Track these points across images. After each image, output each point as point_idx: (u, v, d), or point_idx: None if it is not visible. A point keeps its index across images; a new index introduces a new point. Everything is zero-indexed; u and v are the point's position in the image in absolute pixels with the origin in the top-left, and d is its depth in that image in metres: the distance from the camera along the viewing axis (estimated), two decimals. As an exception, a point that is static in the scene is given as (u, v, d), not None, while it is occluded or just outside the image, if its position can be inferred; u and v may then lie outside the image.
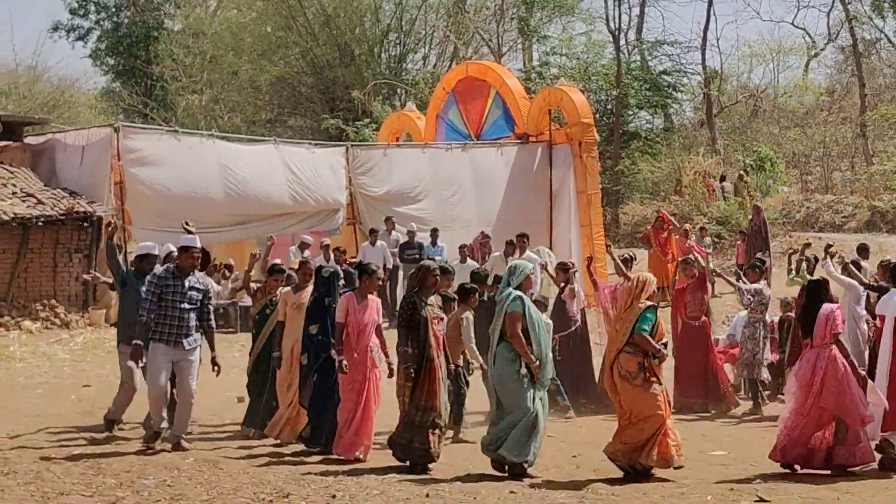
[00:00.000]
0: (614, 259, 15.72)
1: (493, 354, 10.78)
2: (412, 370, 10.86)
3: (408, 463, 10.85)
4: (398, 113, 33.05)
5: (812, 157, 40.63)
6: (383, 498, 9.52)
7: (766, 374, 15.69)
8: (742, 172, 35.55)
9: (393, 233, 24.27)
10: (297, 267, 12.82)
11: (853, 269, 14.81)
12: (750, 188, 34.40)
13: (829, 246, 14.89)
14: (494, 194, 26.46)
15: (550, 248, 23.73)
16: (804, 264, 18.42)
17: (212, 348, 11.78)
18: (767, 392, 15.89)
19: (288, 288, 12.68)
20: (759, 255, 21.87)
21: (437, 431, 10.87)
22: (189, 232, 12.05)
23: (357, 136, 37.66)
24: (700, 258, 16.79)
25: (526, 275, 10.93)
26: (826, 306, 11.12)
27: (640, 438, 10.54)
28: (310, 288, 12.21)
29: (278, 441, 12.16)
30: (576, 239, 26.07)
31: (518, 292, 10.76)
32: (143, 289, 11.67)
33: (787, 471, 10.83)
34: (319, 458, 11.39)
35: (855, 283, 14.57)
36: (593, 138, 26.84)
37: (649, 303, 10.80)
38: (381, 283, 18.20)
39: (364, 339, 11.43)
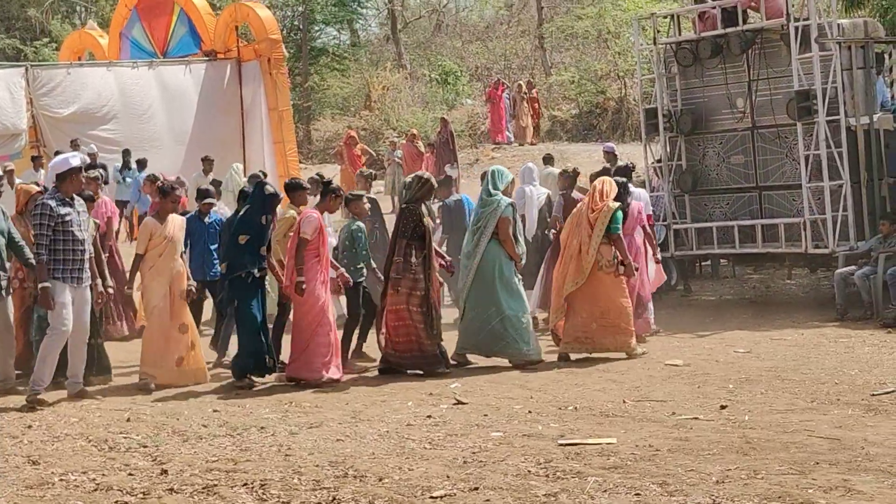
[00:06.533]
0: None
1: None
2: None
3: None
4: (79, 31, 31.84)
5: (494, 69, 41.82)
6: (82, 425, 9.43)
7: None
8: (529, 80, 36.06)
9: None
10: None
11: None
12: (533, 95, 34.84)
13: None
14: (186, 113, 25.96)
15: (244, 166, 23.75)
16: None
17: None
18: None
19: (150, 219, 11.38)
20: (447, 167, 22.62)
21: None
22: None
23: (36, 56, 36.27)
24: None
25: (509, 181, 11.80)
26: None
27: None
28: (176, 217, 11.62)
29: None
30: (269, 156, 26.01)
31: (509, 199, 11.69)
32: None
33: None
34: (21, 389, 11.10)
35: None
36: (282, 55, 26.73)
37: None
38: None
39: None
